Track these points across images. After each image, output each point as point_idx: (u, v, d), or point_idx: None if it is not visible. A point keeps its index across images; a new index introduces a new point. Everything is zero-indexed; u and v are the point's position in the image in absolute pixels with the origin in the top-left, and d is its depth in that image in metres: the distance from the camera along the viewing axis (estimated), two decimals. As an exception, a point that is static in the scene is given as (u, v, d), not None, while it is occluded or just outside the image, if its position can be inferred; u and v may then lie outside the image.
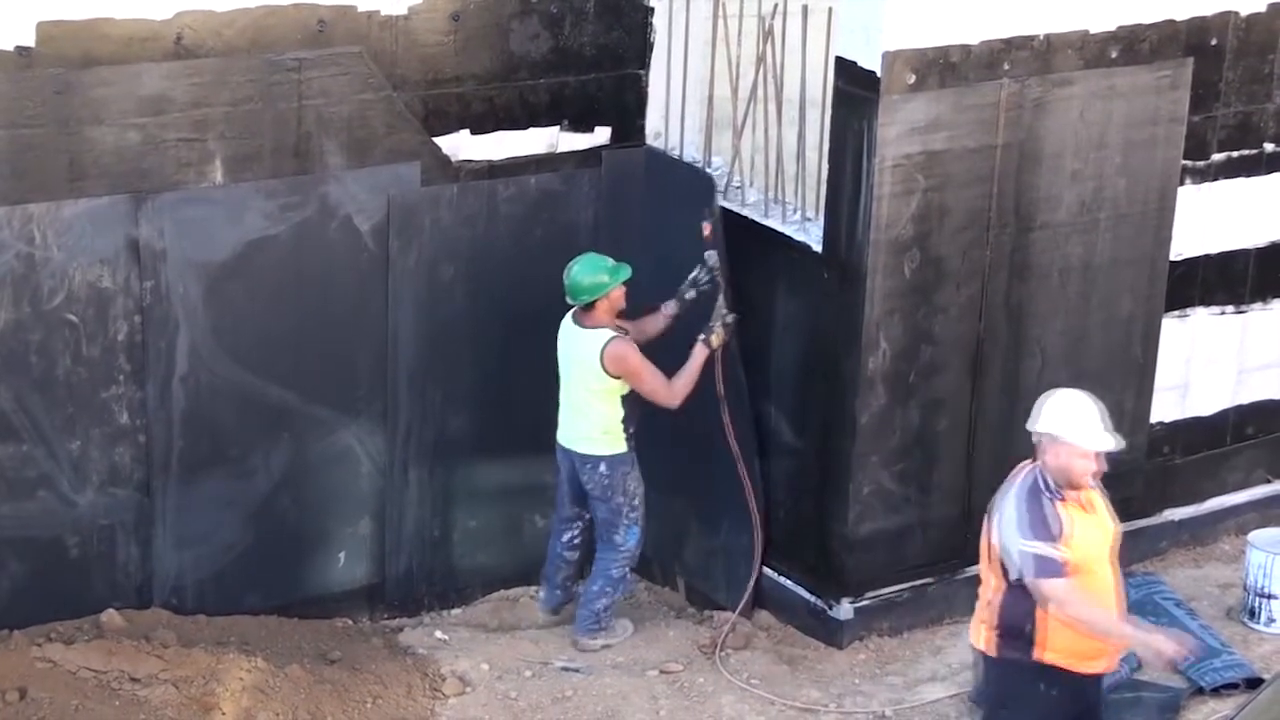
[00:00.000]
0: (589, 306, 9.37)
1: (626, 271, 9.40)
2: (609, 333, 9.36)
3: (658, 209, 9.94)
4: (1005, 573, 7.62)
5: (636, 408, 9.52)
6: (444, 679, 9.36)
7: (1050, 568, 7.49)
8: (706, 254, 9.53)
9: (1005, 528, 7.59)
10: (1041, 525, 7.52)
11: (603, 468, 9.50)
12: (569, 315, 9.51)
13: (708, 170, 9.94)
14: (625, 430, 9.50)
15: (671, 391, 9.43)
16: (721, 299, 9.56)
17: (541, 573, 10.03)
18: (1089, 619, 7.55)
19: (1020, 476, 7.69)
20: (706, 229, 9.53)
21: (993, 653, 7.76)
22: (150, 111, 8.85)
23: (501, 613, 10.17)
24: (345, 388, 9.65)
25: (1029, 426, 7.67)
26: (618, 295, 9.40)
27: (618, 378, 9.37)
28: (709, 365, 9.53)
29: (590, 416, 9.46)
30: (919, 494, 9.64)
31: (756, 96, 9.84)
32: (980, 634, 7.80)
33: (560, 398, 9.60)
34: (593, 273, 9.35)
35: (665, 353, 9.52)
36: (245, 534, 9.60)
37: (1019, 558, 7.53)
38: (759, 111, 9.85)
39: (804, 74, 9.61)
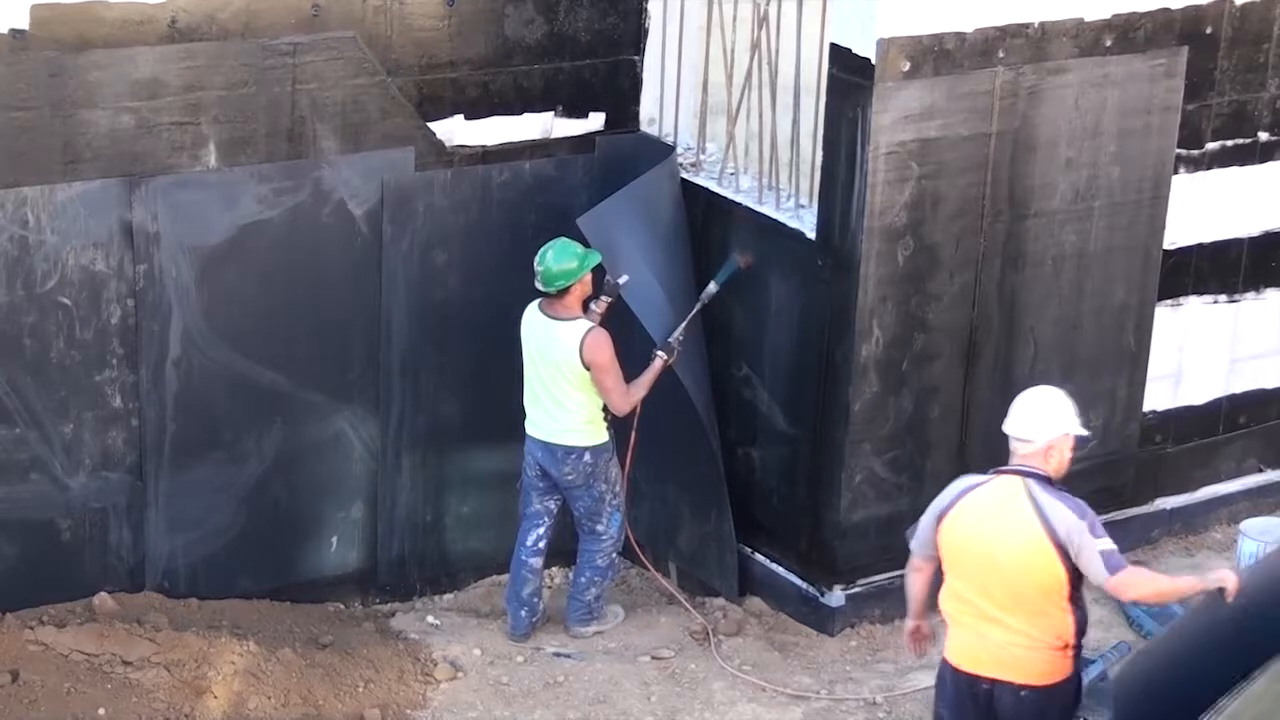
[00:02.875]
0: (561, 293, 9.30)
1: (597, 257, 9.35)
2: (587, 322, 9.31)
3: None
4: (1072, 589, 7.29)
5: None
6: (436, 664, 9.37)
7: (1120, 560, 7.25)
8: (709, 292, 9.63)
9: (1078, 536, 7.22)
10: (1096, 520, 7.28)
11: (588, 457, 9.45)
12: (534, 307, 9.37)
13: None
14: (606, 417, 9.47)
15: (627, 397, 9.36)
16: (687, 323, 9.55)
17: (505, 594, 9.85)
18: (1158, 591, 7.43)
19: (1014, 490, 7.33)
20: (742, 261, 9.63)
21: (1064, 675, 7.42)
22: (144, 95, 8.85)
23: (494, 598, 10.17)
24: (338, 372, 9.65)
25: (1030, 434, 7.40)
26: (588, 281, 9.35)
27: (588, 369, 9.34)
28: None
29: (571, 408, 9.37)
30: (911, 481, 9.64)
31: (751, 83, 9.84)
32: (1038, 663, 7.37)
33: (529, 391, 9.47)
34: (565, 259, 9.25)
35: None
36: (238, 518, 9.60)
37: (1101, 559, 7.20)
38: (753, 98, 9.85)
39: (799, 60, 9.61)
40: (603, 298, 9.48)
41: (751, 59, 9.81)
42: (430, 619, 9.94)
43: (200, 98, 8.97)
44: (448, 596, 10.24)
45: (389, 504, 9.95)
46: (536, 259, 9.25)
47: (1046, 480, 7.37)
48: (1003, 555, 7.31)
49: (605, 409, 9.41)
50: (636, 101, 10.12)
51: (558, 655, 9.56)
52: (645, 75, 10.09)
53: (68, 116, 8.73)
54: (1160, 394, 10.37)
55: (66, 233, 8.88)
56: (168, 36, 8.83)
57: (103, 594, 9.33)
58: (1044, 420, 7.42)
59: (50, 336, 8.99)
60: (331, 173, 9.36)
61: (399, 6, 9.32)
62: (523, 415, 9.55)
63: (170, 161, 9.00)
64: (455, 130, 9.63)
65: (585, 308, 9.40)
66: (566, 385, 9.33)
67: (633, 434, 9.60)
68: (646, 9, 10.00)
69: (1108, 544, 7.24)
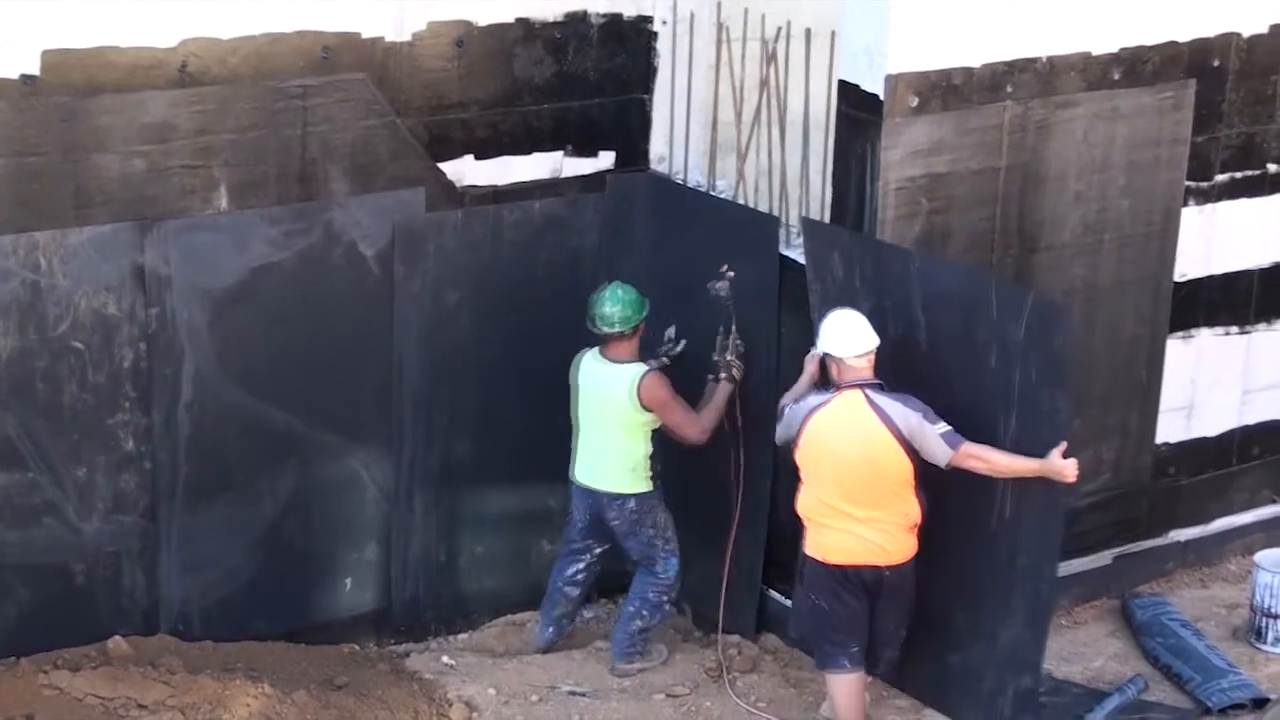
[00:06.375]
0: (620, 338, 9.35)
1: (647, 302, 9.42)
2: (642, 365, 9.36)
3: (706, 251, 9.74)
4: (917, 477, 8.38)
5: (662, 444, 9.50)
6: (450, 704, 9.35)
7: (957, 438, 8.29)
8: (719, 290, 9.45)
9: (916, 425, 8.28)
10: (928, 409, 8.32)
11: (631, 504, 9.52)
12: (589, 353, 9.46)
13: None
14: (652, 468, 9.50)
15: (700, 427, 9.40)
16: (734, 329, 9.51)
17: (542, 605, 9.97)
18: (994, 465, 8.32)
19: (856, 401, 8.37)
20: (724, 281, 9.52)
21: (915, 552, 8.58)
22: (155, 139, 8.88)
23: (508, 638, 10.16)
24: (351, 413, 9.66)
25: (864, 348, 8.43)
26: (643, 326, 9.42)
27: (649, 411, 9.35)
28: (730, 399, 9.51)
29: (617, 455, 9.45)
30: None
31: (760, 120, 9.86)
32: (896, 545, 8.54)
33: (579, 437, 9.56)
34: (626, 304, 9.34)
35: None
36: (251, 560, 9.60)
37: (937, 440, 8.27)
38: (762, 135, 9.87)
39: (807, 97, 9.63)
40: (738, 352, 9.50)
41: (760, 96, 9.83)
42: (445, 659, 9.92)
43: (211, 141, 9.00)
44: (462, 636, 10.22)
45: (403, 544, 9.95)
46: (594, 302, 9.32)
47: (879, 386, 8.42)
48: (858, 458, 8.39)
49: (653, 460, 9.47)
50: (646, 140, 10.14)
51: (573, 694, 9.54)
52: (655, 114, 10.12)
53: (79, 161, 8.76)
54: (1173, 426, 10.35)
55: (78, 277, 8.90)
56: (178, 81, 8.86)
57: (117, 637, 9.33)
58: (867, 335, 8.50)
59: (63, 380, 9.00)
60: (342, 214, 9.38)
61: (409, 48, 9.35)
62: (536, 453, 9.60)
63: (181, 205, 9.02)
64: (465, 170, 9.66)
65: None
66: (616, 430, 9.40)
67: (740, 451, 9.60)
68: (655, 48, 10.03)
69: (943, 426, 8.30)
